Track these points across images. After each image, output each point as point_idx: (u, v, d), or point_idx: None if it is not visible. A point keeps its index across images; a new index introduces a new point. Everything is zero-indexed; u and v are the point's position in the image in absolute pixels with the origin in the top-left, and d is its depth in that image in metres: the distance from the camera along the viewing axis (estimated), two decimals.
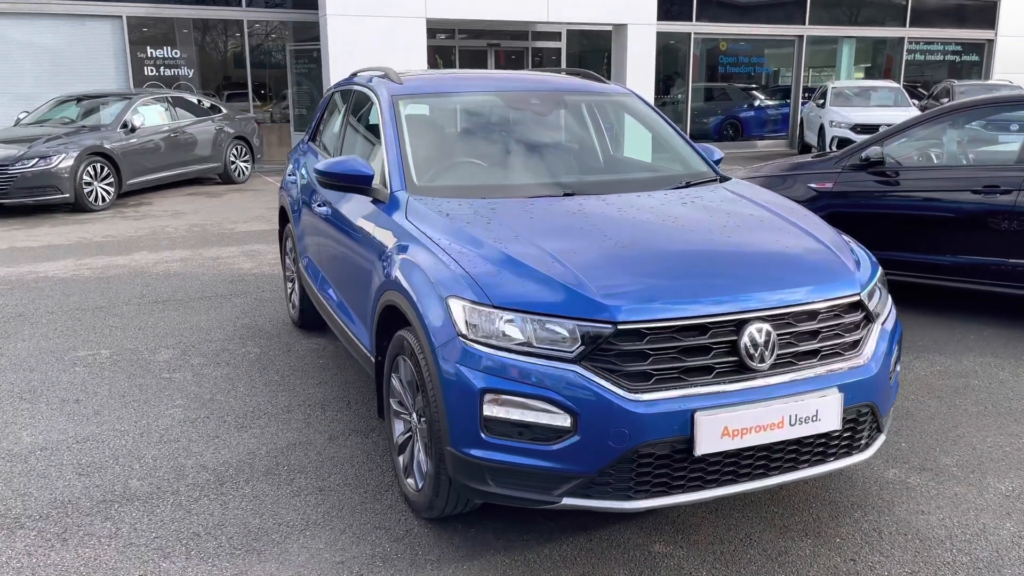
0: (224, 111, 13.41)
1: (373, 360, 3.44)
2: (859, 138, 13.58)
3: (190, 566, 2.83)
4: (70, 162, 10.25)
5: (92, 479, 3.44)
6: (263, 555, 2.89)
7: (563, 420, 2.52)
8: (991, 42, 20.81)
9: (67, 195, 10.27)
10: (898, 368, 3.13)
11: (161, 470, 3.52)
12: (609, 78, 4.69)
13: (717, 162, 4.20)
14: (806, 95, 19.44)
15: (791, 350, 2.71)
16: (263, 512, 3.17)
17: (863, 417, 2.84)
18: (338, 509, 3.19)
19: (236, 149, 13.32)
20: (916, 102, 16.92)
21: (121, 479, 3.44)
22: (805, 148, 17.41)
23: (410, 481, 3.11)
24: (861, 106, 16.05)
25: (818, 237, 3.17)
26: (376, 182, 3.64)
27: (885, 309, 3.08)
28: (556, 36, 18.61)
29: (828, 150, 14.55)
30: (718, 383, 2.59)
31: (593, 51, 19.39)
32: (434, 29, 16.62)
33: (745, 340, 2.62)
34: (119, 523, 3.10)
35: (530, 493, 2.63)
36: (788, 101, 19.93)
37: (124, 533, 3.03)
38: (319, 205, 4.40)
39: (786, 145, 19.77)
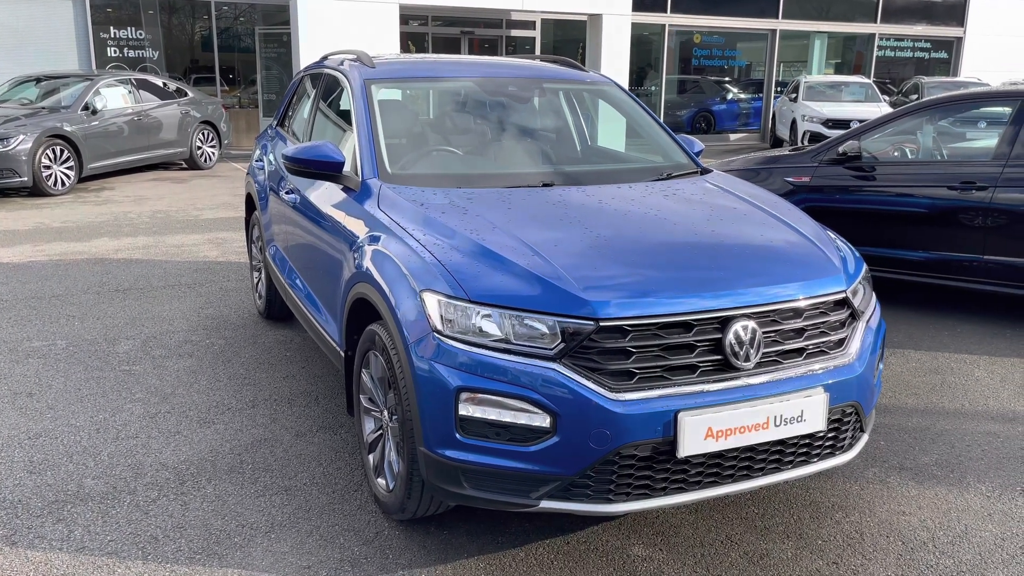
0: (191, 95, 13.07)
1: (342, 354, 3.31)
2: (831, 133, 13.64)
3: (147, 571, 2.68)
4: (28, 144, 9.91)
5: (44, 477, 3.27)
6: (224, 559, 2.75)
7: (542, 420, 2.42)
8: (960, 39, 21.04)
9: (25, 179, 9.94)
10: (881, 367, 3.07)
11: (118, 468, 3.36)
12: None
13: (698, 154, 4.11)
14: (778, 89, 19.50)
15: (776, 348, 2.63)
16: (225, 513, 3.03)
17: (847, 417, 2.78)
18: (305, 510, 3.06)
19: (203, 134, 13.00)
20: (886, 98, 17.04)
21: (75, 478, 3.27)
22: (777, 142, 17.47)
23: (381, 481, 2.98)
24: (833, 101, 16.12)
25: (803, 232, 3.10)
26: (347, 169, 3.50)
27: (869, 307, 3.01)
28: (530, 25, 18.45)
29: (800, 144, 14.59)
30: (702, 382, 2.50)
31: (567, 41, 19.26)
32: (407, 15, 16.37)
33: (730, 338, 2.53)
34: (72, 525, 2.94)
35: (507, 496, 2.52)
36: (760, 95, 20.00)
37: (77, 536, 2.87)
38: (287, 192, 4.24)
39: (758, 138, 19.83)
